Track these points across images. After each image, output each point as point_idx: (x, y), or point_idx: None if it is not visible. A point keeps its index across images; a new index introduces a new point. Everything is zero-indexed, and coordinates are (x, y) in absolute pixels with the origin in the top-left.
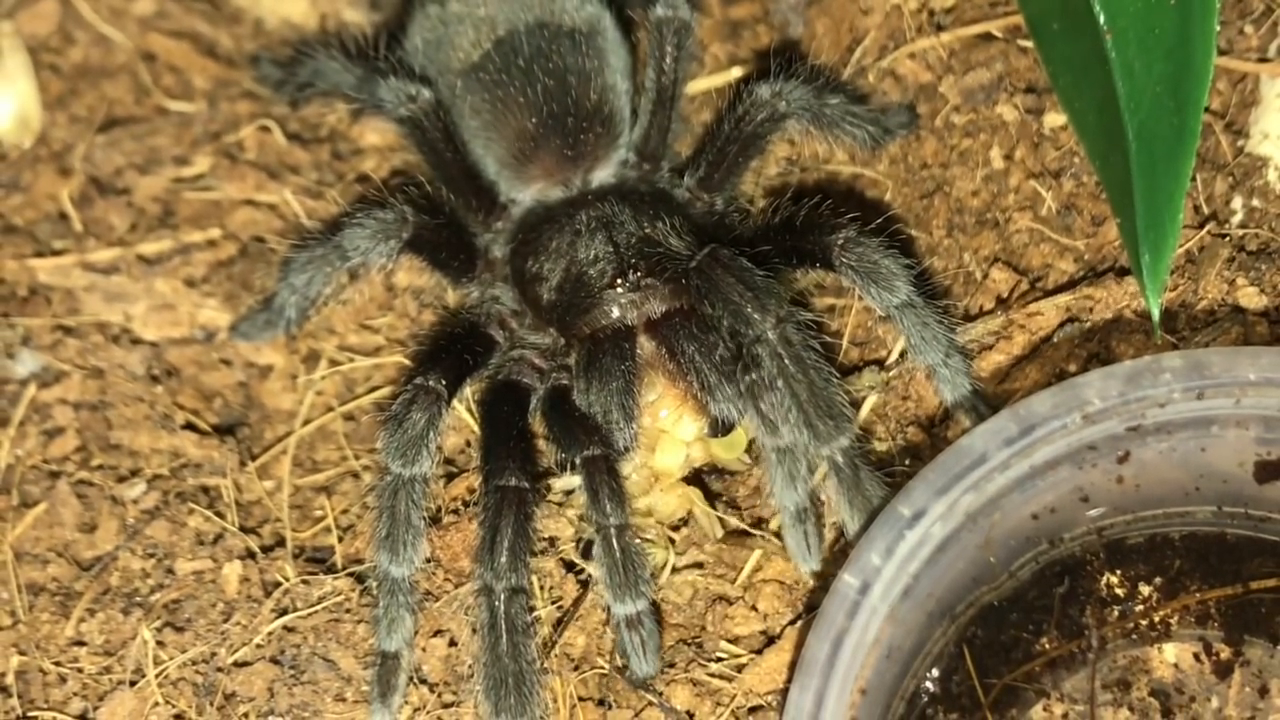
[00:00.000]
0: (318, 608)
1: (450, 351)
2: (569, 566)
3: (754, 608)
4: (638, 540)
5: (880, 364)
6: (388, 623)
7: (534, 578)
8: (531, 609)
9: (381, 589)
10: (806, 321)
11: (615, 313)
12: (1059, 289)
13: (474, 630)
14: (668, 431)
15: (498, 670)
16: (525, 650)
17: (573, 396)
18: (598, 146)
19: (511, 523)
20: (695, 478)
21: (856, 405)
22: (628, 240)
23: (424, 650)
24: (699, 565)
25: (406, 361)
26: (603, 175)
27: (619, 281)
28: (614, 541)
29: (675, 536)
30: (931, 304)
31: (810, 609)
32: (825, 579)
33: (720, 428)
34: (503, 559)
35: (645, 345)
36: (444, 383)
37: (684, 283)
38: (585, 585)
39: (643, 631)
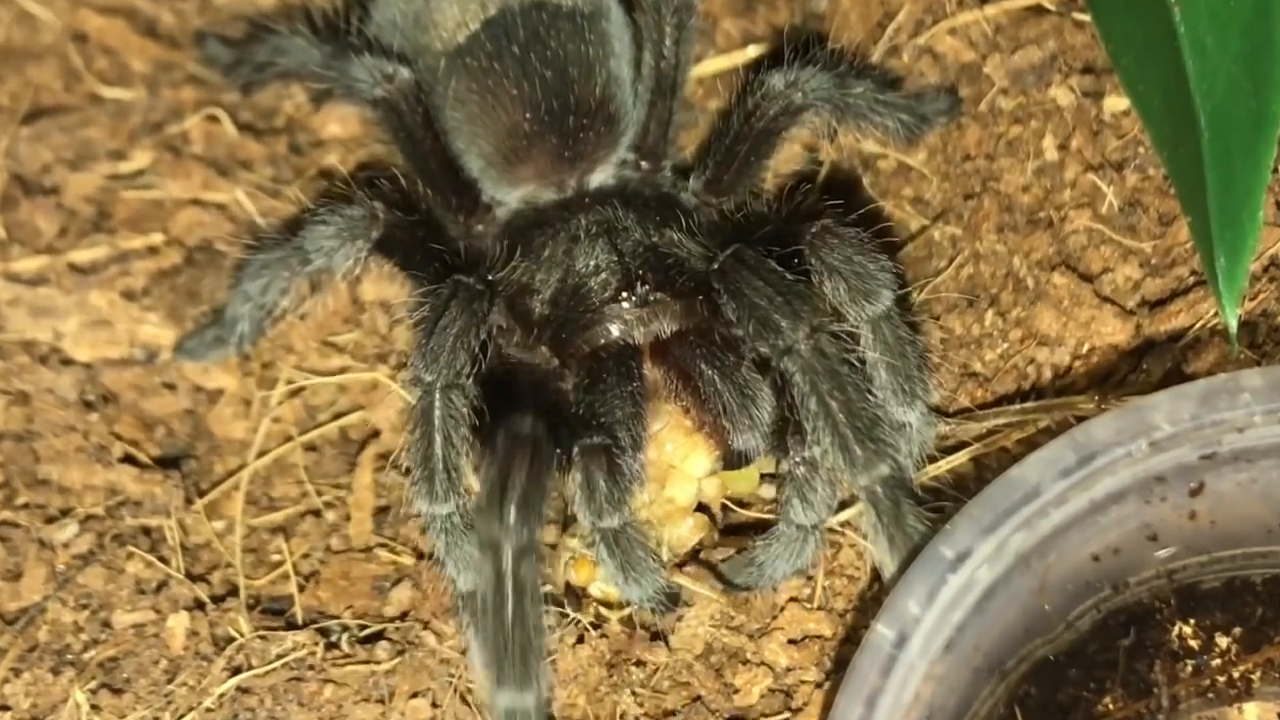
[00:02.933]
0: (276, 665)
1: None
2: (564, 615)
3: (774, 664)
4: (639, 532)
5: None
6: (453, 563)
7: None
8: (542, 569)
9: (433, 530)
10: (843, 332)
11: (619, 330)
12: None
13: (477, 591)
14: (676, 467)
15: (501, 638)
16: (533, 617)
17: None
18: (598, 146)
19: (525, 472)
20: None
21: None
22: (633, 249)
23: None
24: (710, 616)
25: (381, 379)
26: (601, 177)
27: (624, 295)
28: (615, 542)
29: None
30: (916, 331)
31: (839, 665)
32: (856, 630)
33: (739, 460)
34: (512, 513)
35: (651, 369)
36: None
37: (699, 299)
38: (581, 638)
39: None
